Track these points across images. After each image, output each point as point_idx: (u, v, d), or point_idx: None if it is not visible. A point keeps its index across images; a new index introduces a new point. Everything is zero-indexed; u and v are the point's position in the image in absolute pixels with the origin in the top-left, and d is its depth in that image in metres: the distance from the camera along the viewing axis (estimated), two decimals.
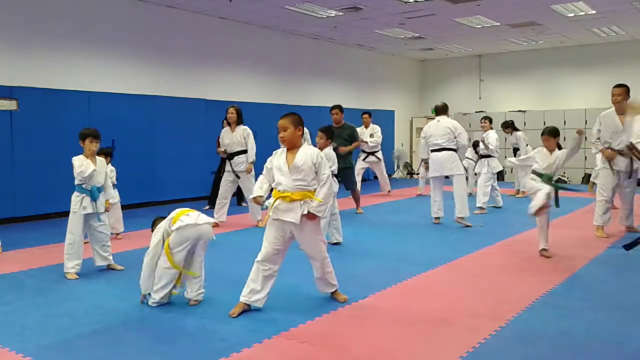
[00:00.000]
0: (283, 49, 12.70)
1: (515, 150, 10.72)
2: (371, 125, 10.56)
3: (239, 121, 7.45)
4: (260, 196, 3.99)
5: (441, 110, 7.68)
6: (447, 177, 7.61)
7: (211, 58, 11.10)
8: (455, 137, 7.41)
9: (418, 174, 12.27)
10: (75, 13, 8.91)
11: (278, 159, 3.93)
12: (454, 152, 7.44)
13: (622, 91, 6.23)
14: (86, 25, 9.03)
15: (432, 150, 7.54)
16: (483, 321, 3.72)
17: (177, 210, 4.17)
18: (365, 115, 10.57)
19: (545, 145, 5.63)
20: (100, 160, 5.21)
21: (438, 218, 7.67)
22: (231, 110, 7.43)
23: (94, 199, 5.05)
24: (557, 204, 5.46)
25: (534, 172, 5.60)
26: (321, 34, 12.99)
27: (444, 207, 7.67)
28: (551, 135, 5.61)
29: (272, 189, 3.99)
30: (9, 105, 8.08)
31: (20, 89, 8.17)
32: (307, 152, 3.89)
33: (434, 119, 7.74)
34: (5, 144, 8.02)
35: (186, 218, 4.05)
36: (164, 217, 4.25)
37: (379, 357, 3.19)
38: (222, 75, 11.34)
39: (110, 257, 5.26)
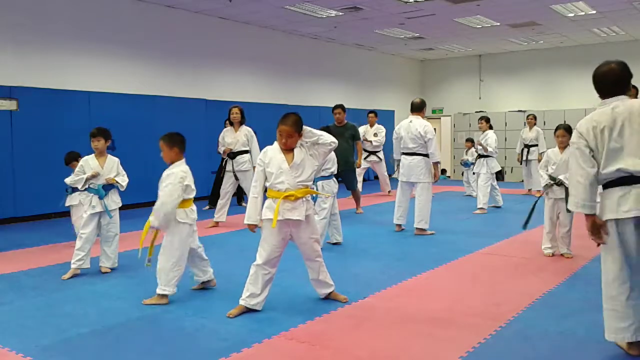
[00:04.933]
0: (283, 49, 12.70)
1: (529, 147, 10.64)
2: (376, 124, 10.71)
3: (242, 121, 7.50)
4: (256, 225, 3.95)
5: (415, 108, 6.94)
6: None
7: (211, 58, 11.10)
8: (426, 142, 6.76)
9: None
10: (75, 13, 8.91)
11: (273, 157, 3.89)
12: (424, 158, 6.81)
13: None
14: (86, 25, 9.03)
15: (403, 153, 6.97)
16: (483, 321, 3.72)
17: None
18: (371, 115, 10.72)
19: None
20: (111, 158, 5.28)
21: (400, 225, 7.09)
22: (235, 110, 7.47)
23: (100, 197, 5.10)
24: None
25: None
26: (321, 34, 12.99)
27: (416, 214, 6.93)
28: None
29: (265, 189, 3.96)
30: (9, 105, 8.08)
31: (20, 89, 8.17)
32: (303, 151, 3.93)
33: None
34: (5, 144, 8.03)
35: None
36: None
37: (379, 357, 3.19)
38: (222, 75, 11.34)
39: (116, 259, 5.25)
